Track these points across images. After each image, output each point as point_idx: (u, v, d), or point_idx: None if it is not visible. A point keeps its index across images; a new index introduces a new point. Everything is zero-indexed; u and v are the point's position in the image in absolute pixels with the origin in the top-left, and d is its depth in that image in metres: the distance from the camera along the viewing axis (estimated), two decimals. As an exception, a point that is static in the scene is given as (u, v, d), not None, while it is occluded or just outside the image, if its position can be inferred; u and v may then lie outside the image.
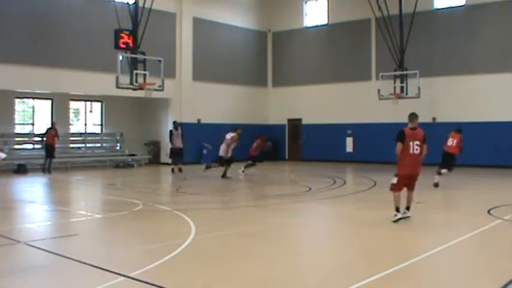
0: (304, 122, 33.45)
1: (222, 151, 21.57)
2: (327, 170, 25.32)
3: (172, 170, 24.14)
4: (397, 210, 11.21)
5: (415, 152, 11.08)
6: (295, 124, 34.13)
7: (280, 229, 11.17)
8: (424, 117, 27.20)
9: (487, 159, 26.06)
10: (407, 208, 11.50)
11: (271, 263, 8.08)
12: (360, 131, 30.60)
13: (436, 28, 28.57)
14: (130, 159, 29.36)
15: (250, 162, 23.41)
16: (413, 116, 11.41)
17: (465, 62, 27.57)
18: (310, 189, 18.21)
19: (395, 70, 27.37)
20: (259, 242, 9.71)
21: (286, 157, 34.53)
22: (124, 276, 7.05)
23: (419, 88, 26.16)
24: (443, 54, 28.19)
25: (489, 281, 7.12)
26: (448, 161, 18.25)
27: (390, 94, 27.11)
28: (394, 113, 27.44)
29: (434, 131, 23.41)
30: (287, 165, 30.99)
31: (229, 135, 21.75)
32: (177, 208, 13.58)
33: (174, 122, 25.02)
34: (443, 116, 27.52)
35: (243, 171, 23.04)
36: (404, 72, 27.12)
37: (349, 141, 30.68)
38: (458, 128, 19.23)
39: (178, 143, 24.14)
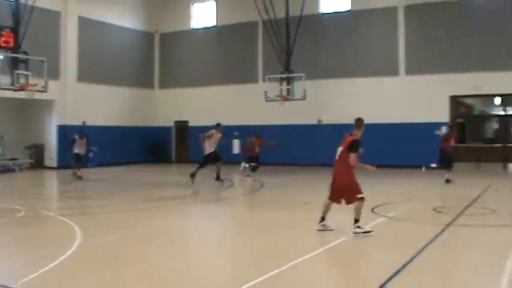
0: (191, 124, 33.33)
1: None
2: (214, 172, 25.28)
3: (75, 175, 23.17)
4: (322, 219, 10.38)
5: (336, 157, 10.24)
6: (182, 126, 33.96)
7: (168, 231, 10.99)
8: (309, 119, 27.92)
9: (372, 160, 26.88)
10: (354, 221, 10.01)
11: (159, 265, 7.95)
12: (247, 132, 30.80)
13: (322, 32, 29.33)
14: (11, 164, 28.14)
15: (253, 164, 22.97)
16: (355, 122, 10.52)
17: (350, 65, 28.47)
18: (198, 191, 18.21)
19: (281, 72, 27.85)
20: (147, 244, 9.50)
21: (173, 159, 34.32)
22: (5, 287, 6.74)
23: (305, 90, 26.74)
24: (328, 57, 28.92)
25: (371, 277, 7.33)
26: None
27: (277, 96, 27.56)
28: (281, 114, 27.96)
29: (321, 132, 24.10)
30: (174, 167, 30.79)
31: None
32: (62, 213, 13.14)
33: (80, 131, 23.60)
34: (329, 117, 28.29)
35: (248, 175, 22.68)
36: (291, 75, 27.66)
37: (236, 143, 30.85)
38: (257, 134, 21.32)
39: (82, 150, 23.05)
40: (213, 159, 19.97)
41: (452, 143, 21.01)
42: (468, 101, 29.76)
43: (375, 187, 18.82)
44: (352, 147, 10.03)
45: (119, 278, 7.31)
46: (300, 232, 10.85)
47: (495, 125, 31.28)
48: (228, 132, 30.82)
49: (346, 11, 29.06)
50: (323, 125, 28.22)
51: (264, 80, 29.09)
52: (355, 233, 9.85)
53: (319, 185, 18.27)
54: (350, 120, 27.10)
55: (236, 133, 30.59)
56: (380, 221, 11.58)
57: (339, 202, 10.28)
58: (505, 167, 25.96)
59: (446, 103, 27.07)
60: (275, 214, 13.35)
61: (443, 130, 26.27)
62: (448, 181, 19.50)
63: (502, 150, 26.99)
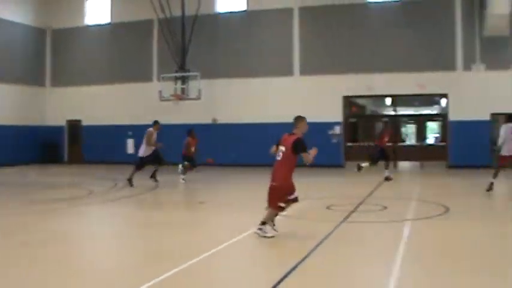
0: (84, 123, 32.47)
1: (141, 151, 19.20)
2: (108, 172, 24.83)
3: None
4: (262, 223, 9.74)
5: (277, 158, 9.77)
6: (74, 125, 32.99)
7: (57, 234, 10.48)
8: (204, 118, 27.82)
9: (270, 160, 27.16)
10: (261, 222, 9.70)
11: (48, 272, 7.64)
12: (141, 132, 30.19)
13: (218, 31, 29.30)
14: None
15: (187, 163, 20.93)
16: (294, 120, 10.15)
17: (245, 64, 28.62)
18: (91, 192, 17.72)
19: (176, 71, 27.63)
20: (35, 251, 9.06)
21: (66, 159, 33.29)
22: None
23: (200, 90, 26.65)
24: (224, 57, 28.92)
25: (265, 277, 7.32)
26: None
27: (171, 95, 27.31)
28: (176, 114, 27.73)
29: (216, 132, 24.05)
30: (67, 168, 29.87)
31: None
32: None
33: None
34: (224, 117, 28.34)
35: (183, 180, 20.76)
36: (186, 74, 27.48)
37: (130, 142, 30.28)
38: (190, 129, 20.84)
39: None
40: (152, 159, 19.09)
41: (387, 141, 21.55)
42: (360, 101, 30.66)
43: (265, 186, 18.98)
44: (299, 148, 9.56)
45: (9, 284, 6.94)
46: (195, 232, 10.75)
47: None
48: (121, 131, 30.40)
49: (241, 11, 29.21)
50: (218, 125, 28.23)
51: (158, 79, 28.73)
52: (257, 233, 9.65)
53: (214, 184, 18.38)
54: (245, 119, 27.47)
55: (130, 133, 30.04)
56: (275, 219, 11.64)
57: (277, 207, 9.72)
58: (395, 165, 26.89)
59: (340, 103, 27.75)
60: (171, 214, 13.18)
61: (337, 130, 26.95)
62: (387, 179, 20.04)
63: (393, 149, 27.96)
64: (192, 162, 20.66)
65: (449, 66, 26.50)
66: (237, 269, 7.93)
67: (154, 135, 19.04)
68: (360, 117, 30.77)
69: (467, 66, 26.34)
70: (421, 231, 10.62)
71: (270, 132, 26.88)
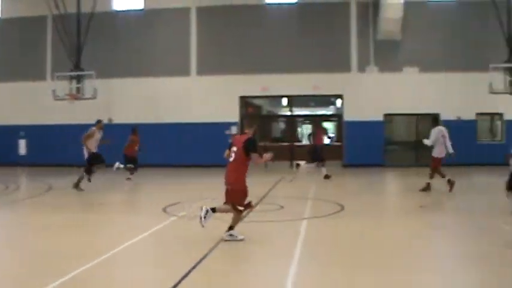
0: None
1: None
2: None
3: None
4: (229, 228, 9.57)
5: (230, 159, 9.56)
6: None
7: None
8: (100, 118, 27.13)
9: (168, 160, 26.97)
10: (229, 227, 9.52)
11: None
12: (34, 132, 29.24)
13: (115, 30, 28.70)
14: None
15: (129, 165, 19.90)
16: (247, 120, 10.25)
17: (143, 64, 28.18)
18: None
19: (71, 70, 26.81)
20: None
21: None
22: None
23: (95, 89, 25.98)
24: (121, 56, 28.34)
25: (165, 277, 7.23)
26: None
27: (66, 95, 26.48)
28: (71, 114, 26.95)
29: (111, 132, 23.40)
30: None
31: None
32: None
33: None
34: (120, 117, 27.78)
35: (128, 178, 19.72)
36: (81, 73, 26.71)
37: (22, 143, 29.17)
38: (134, 127, 19.90)
39: None
40: (95, 160, 17.70)
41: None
42: (257, 101, 30.89)
43: (169, 187, 18.87)
44: (250, 147, 9.36)
45: None
46: (94, 233, 10.53)
47: (282, 125, 32.82)
48: (14, 132, 29.20)
49: (139, 10, 28.76)
50: (114, 125, 27.63)
51: (53, 78, 27.74)
52: (227, 240, 9.36)
53: (112, 185, 18.00)
54: (142, 119, 27.05)
55: (22, 133, 28.95)
56: (172, 220, 11.55)
57: (237, 209, 9.52)
58: (291, 165, 27.27)
59: (236, 103, 27.88)
60: (68, 216, 12.76)
61: (233, 130, 27.04)
62: (327, 177, 20.33)
63: (289, 148, 28.41)
64: (134, 163, 20.02)
65: (344, 68, 27.25)
66: (135, 271, 7.78)
67: (97, 135, 17.87)
68: (256, 117, 31.00)
69: (361, 68, 27.21)
70: (318, 229, 10.82)
71: (167, 132, 27.10)
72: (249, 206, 9.68)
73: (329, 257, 8.44)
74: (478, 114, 27.09)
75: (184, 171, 24.80)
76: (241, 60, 27.42)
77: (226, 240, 9.33)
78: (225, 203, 9.56)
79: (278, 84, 27.16)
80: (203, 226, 9.25)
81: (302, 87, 27.24)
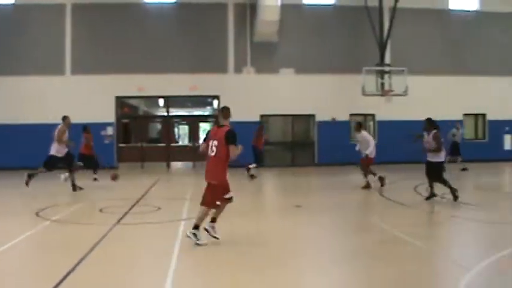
0: None
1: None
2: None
3: None
4: (195, 227, 9.16)
5: (211, 153, 9.23)
6: None
7: None
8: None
9: (31, 161, 25.70)
10: (194, 226, 9.16)
11: None
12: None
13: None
14: None
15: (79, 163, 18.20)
16: (221, 111, 9.69)
17: (15, 62, 26.46)
18: None
19: None
20: None
21: None
22: None
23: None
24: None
25: (42, 282, 6.90)
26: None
27: None
28: None
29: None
30: None
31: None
32: None
33: None
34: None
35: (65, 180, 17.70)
36: None
37: None
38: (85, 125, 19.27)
39: None
40: (64, 161, 16.61)
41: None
42: (133, 101, 30.26)
43: (38, 190, 17.92)
44: (230, 138, 9.10)
45: None
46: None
47: (159, 126, 32.36)
48: None
49: (10, 4, 27.15)
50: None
51: None
52: (189, 237, 9.06)
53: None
54: (12, 120, 25.65)
55: None
56: (45, 225, 10.96)
57: (214, 206, 9.27)
58: (168, 166, 26.90)
59: (112, 104, 27.12)
60: None
61: (109, 131, 26.32)
62: (252, 177, 20.32)
63: (166, 149, 28.02)
64: (92, 162, 18.74)
65: (222, 68, 27.25)
66: (4, 282, 7.22)
67: (66, 133, 16.66)
68: (132, 118, 30.36)
69: (238, 69, 27.29)
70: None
71: (43, 133, 25.81)
72: (229, 200, 9.41)
73: (206, 257, 8.36)
74: (351, 115, 27.92)
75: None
76: (117, 60, 26.64)
77: (187, 237, 9.08)
78: (203, 204, 9.29)
79: (155, 85, 26.69)
80: (218, 238, 9.22)
81: (179, 87, 26.95)
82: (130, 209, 12.98)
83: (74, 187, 16.70)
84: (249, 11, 27.32)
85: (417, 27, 28.57)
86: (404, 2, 26.30)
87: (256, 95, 26.90)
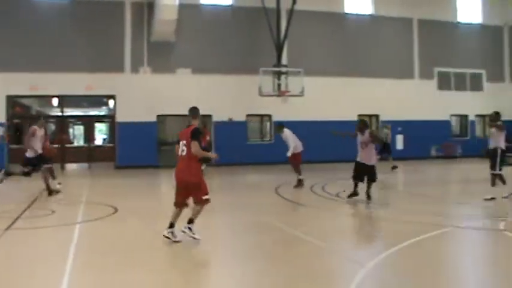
0: None
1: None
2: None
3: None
4: (171, 225, 9.23)
5: (182, 153, 9.23)
6: None
7: None
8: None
9: None
10: (189, 220, 9.26)
11: None
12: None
13: None
14: None
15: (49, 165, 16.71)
16: (190, 112, 9.74)
17: None
18: None
19: None
20: None
21: None
22: None
23: None
24: None
25: None
26: None
27: None
28: None
29: None
30: None
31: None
32: None
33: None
34: None
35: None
36: None
37: None
38: None
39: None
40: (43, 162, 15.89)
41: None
42: (26, 101, 29.21)
43: None
44: (195, 135, 9.14)
45: None
46: None
47: (52, 126, 31.38)
48: None
49: None
50: None
51: None
52: (184, 232, 9.16)
53: None
54: None
55: None
56: None
57: (186, 205, 9.36)
58: (63, 167, 26.19)
59: (3, 103, 26.05)
60: None
61: (0, 131, 25.34)
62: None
63: (60, 150, 27.22)
64: (49, 162, 17.21)
65: (118, 68, 26.79)
66: None
67: (40, 133, 15.93)
68: (24, 118, 29.26)
69: (135, 69, 26.91)
70: (91, 233, 10.41)
71: None
72: (207, 201, 9.36)
73: (102, 260, 8.22)
74: (248, 115, 28.15)
75: None
76: (8, 58, 25.50)
77: (183, 232, 9.20)
78: (176, 205, 9.35)
79: (49, 84, 25.81)
80: (198, 238, 9.20)
81: (74, 87, 26.18)
82: (22, 213, 12.50)
83: (50, 191, 16.04)
84: (146, 10, 26.99)
85: (314, 29, 29.25)
86: (302, 5, 26.86)
87: (153, 95, 26.59)
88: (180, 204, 9.36)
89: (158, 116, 27.19)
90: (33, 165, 15.91)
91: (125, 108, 26.66)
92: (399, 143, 29.98)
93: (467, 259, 8.80)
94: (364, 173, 14.17)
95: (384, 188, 17.53)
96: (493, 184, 14.39)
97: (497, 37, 34.49)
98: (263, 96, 25.43)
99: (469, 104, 33.16)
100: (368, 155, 14.15)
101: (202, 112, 24.01)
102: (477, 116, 33.82)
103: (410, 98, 30.60)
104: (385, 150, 24.42)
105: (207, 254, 8.99)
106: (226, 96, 27.39)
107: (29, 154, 15.82)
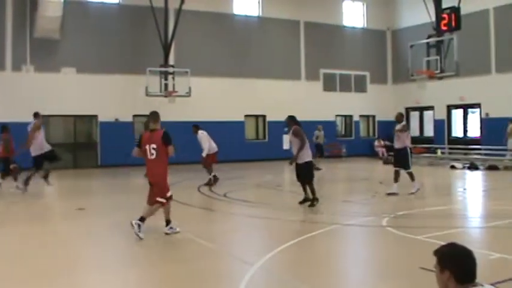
0: None
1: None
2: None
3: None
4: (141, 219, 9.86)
5: (151, 157, 9.91)
6: None
7: None
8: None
9: None
10: (140, 219, 9.80)
11: None
12: None
13: None
14: None
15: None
16: (152, 116, 10.17)
17: None
18: None
19: None
20: None
21: None
22: None
23: None
24: None
25: None
26: None
27: None
28: None
29: None
30: None
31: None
32: None
33: None
34: None
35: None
36: None
37: None
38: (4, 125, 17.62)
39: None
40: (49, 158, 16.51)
41: None
42: None
43: None
44: (168, 140, 9.92)
45: None
46: None
47: None
48: None
49: None
50: None
51: None
52: (168, 233, 10.08)
53: None
54: None
55: None
56: None
57: (156, 203, 10.06)
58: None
59: None
60: None
61: None
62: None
63: None
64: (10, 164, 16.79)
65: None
66: None
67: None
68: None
69: (16, 67, 25.85)
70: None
71: None
72: (170, 198, 10.26)
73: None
74: (135, 116, 27.75)
75: None
76: None
77: (167, 234, 10.00)
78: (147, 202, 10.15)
79: None
80: (142, 238, 9.56)
81: None
82: None
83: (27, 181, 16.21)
84: (29, 5, 25.89)
85: (202, 30, 29.26)
86: (190, 5, 26.81)
87: (36, 94, 25.51)
88: (151, 202, 10.09)
89: (42, 116, 26.19)
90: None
91: (6, 107, 25.45)
92: (286, 143, 30.47)
93: (350, 255, 9.27)
94: (299, 172, 13.60)
95: (264, 187, 17.87)
96: (396, 180, 15.33)
97: (381, 41, 35.84)
98: (150, 97, 25.18)
99: (354, 105, 34.30)
100: (299, 154, 13.36)
101: (88, 112, 23.77)
102: (361, 116, 35.05)
103: (297, 99, 31.17)
104: (318, 152, 25.01)
105: (92, 257, 8.83)
106: (112, 97, 26.91)
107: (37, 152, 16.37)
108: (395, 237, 10.03)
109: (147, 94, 24.99)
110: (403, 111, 33.46)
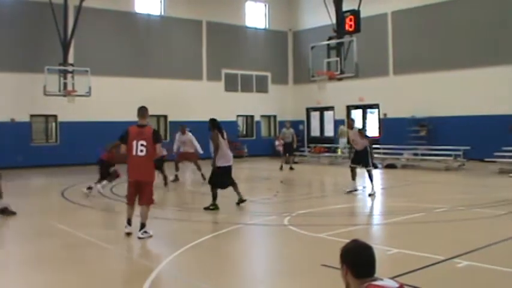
0: None
1: None
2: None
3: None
4: (128, 222, 9.85)
5: (140, 153, 9.45)
6: None
7: None
8: None
9: None
10: (141, 226, 9.72)
11: None
12: None
13: None
14: None
15: None
16: (141, 111, 9.92)
17: None
18: None
19: None
20: None
21: None
22: None
23: None
24: None
25: None
26: None
27: None
28: None
29: None
30: None
31: None
32: None
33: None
34: None
35: None
36: None
37: None
38: None
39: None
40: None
41: None
42: None
43: None
44: (158, 137, 9.72)
45: None
46: None
47: None
48: None
49: None
50: None
51: None
52: (141, 238, 9.61)
53: None
54: None
55: None
56: None
57: (153, 201, 9.95)
58: None
59: None
60: None
61: None
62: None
63: None
64: None
65: None
66: None
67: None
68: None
69: None
70: None
71: None
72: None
73: None
74: (32, 116, 26.81)
75: None
76: None
77: (140, 238, 9.62)
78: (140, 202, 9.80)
79: None
80: (152, 235, 9.68)
81: None
82: None
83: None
84: None
85: (103, 28, 28.69)
86: (90, 2, 26.13)
87: None
88: (132, 201, 9.81)
89: None
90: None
91: None
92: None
93: (252, 253, 9.47)
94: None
95: (172, 190, 17.80)
96: (353, 178, 16.09)
97: (282, 42, 36.34)
98: (48, 96, 24.42)
99: (255, 105, 34.62)
100: (215, 158, 13.10)
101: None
102: (262, 116, 35.43)
103: (198, 99, 31.17)
104: (288, 150, 25.13)
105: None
106: (7, 96, 25.74)
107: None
108: (297, 236, 10.26)
109: (46, 93, 24.21)
110: (304, 112, 34.30)
